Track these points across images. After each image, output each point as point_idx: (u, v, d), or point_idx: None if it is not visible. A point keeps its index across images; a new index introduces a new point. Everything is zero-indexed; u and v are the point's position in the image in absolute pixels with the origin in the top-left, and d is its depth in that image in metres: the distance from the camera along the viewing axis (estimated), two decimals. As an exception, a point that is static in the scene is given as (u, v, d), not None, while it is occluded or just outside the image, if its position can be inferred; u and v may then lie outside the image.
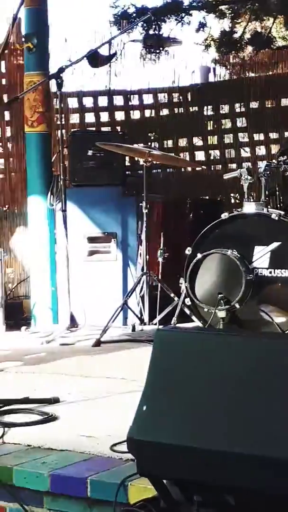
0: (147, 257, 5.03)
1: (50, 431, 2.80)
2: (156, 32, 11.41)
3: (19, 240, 7.25)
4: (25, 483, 2.42)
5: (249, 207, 4.55)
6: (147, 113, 7.68)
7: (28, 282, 6.28)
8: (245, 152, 7.49)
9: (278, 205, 4.77)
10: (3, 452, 2.60)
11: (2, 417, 3.01)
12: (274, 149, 7.15)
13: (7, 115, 7.43)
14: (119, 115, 7.76)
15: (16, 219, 7.32)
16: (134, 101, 7.66)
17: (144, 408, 2.10)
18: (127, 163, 6.45)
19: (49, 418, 2.96)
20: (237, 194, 6.99)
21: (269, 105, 7.35)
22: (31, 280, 6.07)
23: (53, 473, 2.38)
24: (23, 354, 4.53)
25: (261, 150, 7.41)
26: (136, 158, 6.40)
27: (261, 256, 4.43)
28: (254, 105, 7.32)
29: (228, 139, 7.42)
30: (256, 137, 7.37)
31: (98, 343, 4.71)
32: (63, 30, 7.85)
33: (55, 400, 3.23)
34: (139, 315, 5.19)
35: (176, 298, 4.80)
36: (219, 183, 6.87)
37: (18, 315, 6.01)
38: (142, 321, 5.16)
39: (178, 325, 4.70)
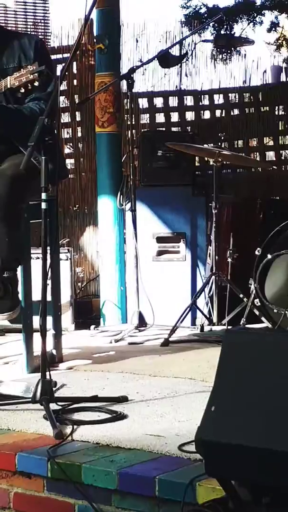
0: (216, 257, 5.02)
1: (119, 429, 2.82)
2: (228, 32, 11.38)
3: (89, 240, 7.31)
4: (93, 481, 2.43)
5: None
6: (218, 113, 7.66)
7: (98, 281, 6.32)
8: None
9: None
10: (72, 449, 2.62)
11: (71, 415, 3.04)
12: None
13: (78, 116, 7.50)
14: (190, 115, 7.76)
15: (86, 219, 7.38)
16: (205, 101, 7.65)
17: (213, 408, 2.09)
18: (197, 163, 6.44)
19: (118, 417, 2.97)
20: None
21: None
22: (100, 279, 6.11)
23: (121, 471, 2.39)
24: (92, 352, 4.56)
25: None
26: (206, 158, 6.38)
27: None
28: None
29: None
30: None
31: (166, 342, 4.72)
32: (134, 31, 7.87)
33: (123, 399, 3.24)
34: (207, 316, 5.18)
35: (245, 299, 4.78)
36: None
37: (87, 314, 6.06)
38: (210, 322, 5.15)
39: (247, 326, 4.69)
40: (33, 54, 4.00)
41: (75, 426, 2.83)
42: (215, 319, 5.10)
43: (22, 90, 3.67)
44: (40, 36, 7.06)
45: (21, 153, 3.70)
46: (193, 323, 5.35)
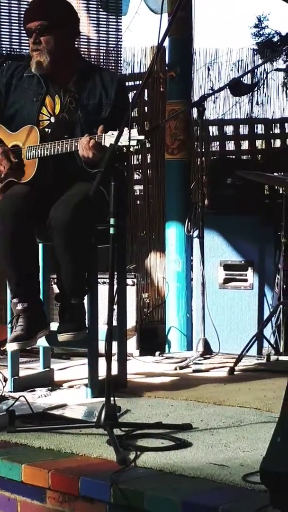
0: (284, 286, 4.98)
1: (182, 457, 2.79)
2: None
3: (156, 266, 7.32)
4: (156, 508, 2.41)
5: None
6: (289, 142, 7.63)
7: (163, 308, 6.32)
8: None
9: None
10: (135, 476, 2.61)
11: (134, 440, 3.03)
12: None
13: (147, 143, 7.54)
14: (260, 144, 7.74)
15: (153, 245, 7.40)
16: (276, 129, 7.63)
17: (279, 439, 2.07)
18: (266, 192, 6.41)
19: (182, 444, 2.95)
20: None
21: None
22: (166, 305, 6.11)
23: (184, 500, 2.37)
24: (157, 379, 4.55)
25: None
26: (275, 187, 6.35)
27: None
28: None
29: None
30: None
31: (232, 371, 4.68)
32: (206, 59, 7.91)
33: (187, 427, 3.22)
34: (274, 345, 5.13)
35: (312, 329, 4.73)
36: None
37: (152, 340, 6.05)
38: (277, 351, 5.10)
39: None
40: (113, 94, 4.05)
41: (138, 452, 2.81)
42: (281, 349, 5.05)
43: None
44: (113, 64, 7.16)
45: (88, 181, 3.74)
46: (260, 352, 5.31)
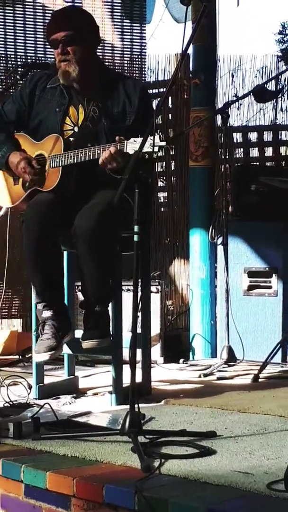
0: (309, 293, 4.96)
1: (207, 465, 2.79)
2: None
3: (180, 273, 7.32)
4: (180, 516, 2.41)
5: None
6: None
7: (188, 315, 6.31)
8: None
9: None
10: (159, 483, 2.61)
11: (159, 448, 3.03)
12: None
13: (171, 150, 7.55)
14: (284, 150, 7.73)
15: (177, 252, 7.40)
16: (300, 136, 7.62)
17: (304, 447, 2.06)
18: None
19: (206, 452, 2.94)
20: None
21: None
22: (190, 312, 6.11)
23: (209, 507, 2.37)
24: (181, 386, 4.55)
25: None
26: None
27: None
28: None
29: None
30: None
31: (256, 378, 4.67)
32: (230, 66, 7.91)
33: (211, 434, 3.22)
34: (299, 352, 5.11)
35: None
36: None
37: (176, 347, 6.04)
38: (302, 359, 5.08)
39: None
40: (137, 101, 4.07)
41: (163, 460, 2.81)
42: (306, 356, 5.03)
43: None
44: (137, 72, 7.17)
45: (112, 188, 3.75)
46: (284, 359, 5.28)
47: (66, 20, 4.15)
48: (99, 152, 3.86)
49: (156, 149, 3.30)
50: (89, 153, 3.91)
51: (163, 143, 3.39)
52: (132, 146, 3.66)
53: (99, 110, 4.10)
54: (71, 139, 4.09)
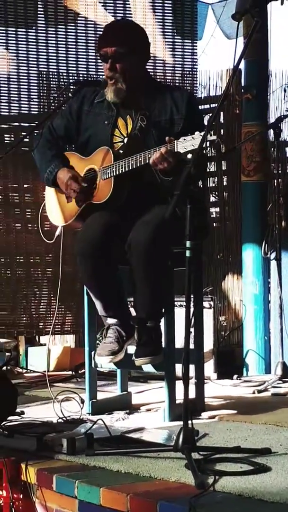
0: None
1: (261, 482, 2.76)
2: None
3: (233, 288, 7.28)
4: (235, 533, 2.39)
5: None
6: None
7: (241, 331, 6.27)
8: None
9: None
10: (214, 500, 2.59)
11: (213, 465, 3.00)
12: None
13: (224, 165, 7.53)
14: None
15: (230, 267, 7.36)
16: None
17: None
18: None
19: (261, 469, 2.91)
20: None
21: None
22: (244, 328, 6.07)
23: (264, 525, 2.34)
24: (235, 402, 4.52)
25: None
26: None
27: None
28: None
29: None
30: None
31: (311, 395, 4.62)
32: (283, 80, 7.87)
33: (266, 451, 3.18)
34: None
35: None
36: None
37: (230, 363, 6.01)
38: None
39: None
40: (184, 109, 4.06)
41: (217, 477, 2.79)
42: None
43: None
44: (188, 87, 7.18)
45: (164, 203, 3.75)
46: None
47: (118, 35, 4.14)
48: (149, 156, 3.84)
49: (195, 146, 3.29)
50: (140, 159, 3.89)
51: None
52: (182, 145, 3.65)
53: (147, 118, 4.10)
54: (121, 151, 4.08)
